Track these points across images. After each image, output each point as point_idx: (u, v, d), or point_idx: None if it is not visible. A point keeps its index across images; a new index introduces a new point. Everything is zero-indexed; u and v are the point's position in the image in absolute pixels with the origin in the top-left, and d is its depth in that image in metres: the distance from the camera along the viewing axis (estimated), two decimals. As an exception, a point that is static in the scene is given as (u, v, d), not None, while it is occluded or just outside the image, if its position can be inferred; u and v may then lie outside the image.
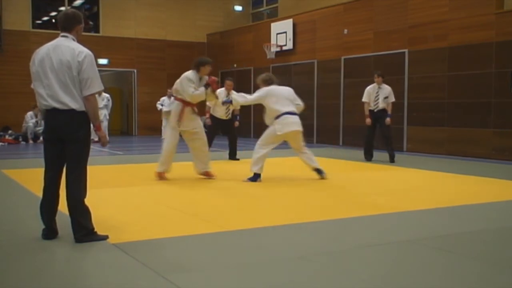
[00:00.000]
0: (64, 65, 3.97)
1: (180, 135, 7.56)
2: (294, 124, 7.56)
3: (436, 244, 4.12)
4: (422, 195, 6.48)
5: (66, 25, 4.13)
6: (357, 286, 3.22)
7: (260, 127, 17.10)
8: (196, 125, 7.50)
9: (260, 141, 7.62)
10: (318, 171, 7.72)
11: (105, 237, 4.16)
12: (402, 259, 3.79)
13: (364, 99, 10.10)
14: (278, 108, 7.47)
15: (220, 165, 8.87)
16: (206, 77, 7.52)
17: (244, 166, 9.20)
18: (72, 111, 4.01)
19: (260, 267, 3.53)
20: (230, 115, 10.29)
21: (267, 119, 7.64)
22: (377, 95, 9.87)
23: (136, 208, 5.53)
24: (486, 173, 8.43)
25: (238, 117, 10.72)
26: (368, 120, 9.99)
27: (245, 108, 14.69)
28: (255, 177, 7.45)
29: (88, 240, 4.08)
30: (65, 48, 4.00)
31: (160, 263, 3.55)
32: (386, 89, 9.90)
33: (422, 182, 7.70)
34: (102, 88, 4.21)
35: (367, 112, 10.04)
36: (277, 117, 7.44)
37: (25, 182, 7.06)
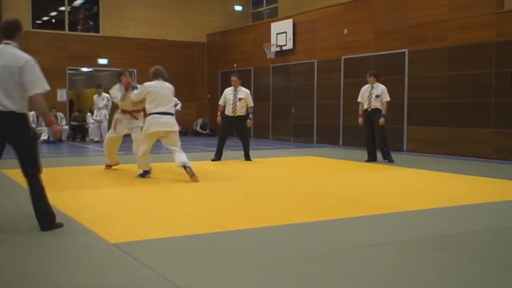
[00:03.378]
0: (6, 71, 4.31)
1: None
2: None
3: (436, 244, 4.12)
4: (422, 195, 6.48)
5: (8, 33, 4.48)
6: (357, 286, 3.22)
7: (259, 127, 17.10)
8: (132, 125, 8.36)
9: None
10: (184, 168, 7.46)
11: (60, 225, 4.53)
12: (402, 259, 3.79)
13: (358, 99, 10.14)
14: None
15: (221, 165, 8.86)
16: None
17: (249, 166, 9.21)
18: (12, 113, 4.33)
19: (260, 267, 3.53)
20: (238, 112, 10.11)
21: None
22: (370, 94, 9.88)
23: (136, 208, 5.53)
24: (486, 173, 8.42)
25: (251, 115, 10.36)
26: (360, 120, 10.02)
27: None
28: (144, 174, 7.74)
29: (55, 226, 4.46)
30: (8, 54, 4.37)
31: (160, 263, 3.55)
32: (379, 88, 9.89)
33: (422, 182, 7.70)
34: (46, 89, 4.47)
35: (360, 112, 10.07)
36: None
37: (25, 182, 7.05)
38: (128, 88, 8.22)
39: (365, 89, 10.04)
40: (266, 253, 3.88)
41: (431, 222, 4.98)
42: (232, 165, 9.64)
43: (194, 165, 8.59)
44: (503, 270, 3.55)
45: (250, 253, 3.89)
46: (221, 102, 10.29)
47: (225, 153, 10.42)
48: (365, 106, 9.96)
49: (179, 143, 7.61)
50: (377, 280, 3.30)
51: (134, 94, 7.85)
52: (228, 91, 10.21)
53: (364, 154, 10.27)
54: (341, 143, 14.17)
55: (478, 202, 5.98)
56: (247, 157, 10.18)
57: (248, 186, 7.20)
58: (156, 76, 7.62)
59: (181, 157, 7.48)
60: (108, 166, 8.69)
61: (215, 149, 10.28)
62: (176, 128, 7.65)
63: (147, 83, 7.63)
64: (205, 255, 3.81)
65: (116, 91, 8.34)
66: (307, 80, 15.24)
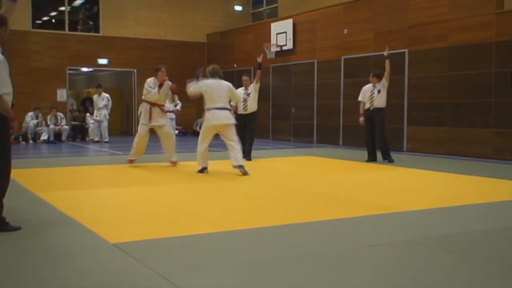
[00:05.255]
0: None
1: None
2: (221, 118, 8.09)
3: (436, 244, 4.12)
4: (422, 195, 6.48)
5: None
6: (357, 286, 3.22)
7: (259, 127, 17.11)
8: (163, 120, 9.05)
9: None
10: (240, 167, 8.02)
11: (17, 228, 4.41)
12: (402, 259, 3.79)
13: (359, 98, 10.12)
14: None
15: (220, 165, 8.86)
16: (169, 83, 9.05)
17: (249, 166, 9.18)
18: None
19: (260, 267, 3.53)
20: (249, 110, 10.26)
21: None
22: (372, 94, 9.87)
23: (136, 208, 5.54)
24: (486, 173, 8.42)
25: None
26: (361, 119, 10.00)
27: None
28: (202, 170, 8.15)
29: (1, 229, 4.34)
30: None
31: (160, 263, 3.55)
32: (380, 85, 9.87)
33: (422, 182, 7.70)
34: (5, 92, 4.37)
35: (361, 111, 10.05)
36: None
37: (25, 182, 7.06)
38: (163, 84, 8.88)
39: (366, 88, 10.02)
40: (266, 253, 3.88)
41: (431, 222, 4.98)
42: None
43: (194, 165, 8.60)
44: (503, 270, 3.55)
45: (250, 253, 3.89)
46: (233, 102, 10.35)
47: (226, 153, 10.42)
48: (367, 106, 9.94)
49: (236, 138, 8.22)
50: (377, 280, 3.30)
51: (192, 88, 8.18)
52: (239, 91, 10.34)
53: (364, 154, 10.27)
54: (341, 143, 14.17)
55: (478, 202, 5.98)
56: (248, 156, 10.05)
57: (248, 186, 7.20)
58: (213, 74, 8.14)
59: (238, 156, 8.04)
60: (131, 161, 9.10)
61: (215, 148, 10.27)
62: (233, 121, 8.24)
63: (204, 81, 8.13)
64: (205, 255, 3.81)
65: (152, 84, 8.92)
66: (307, 80, 15.24)
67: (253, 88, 10.34)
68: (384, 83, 9.86)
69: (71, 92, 19.81)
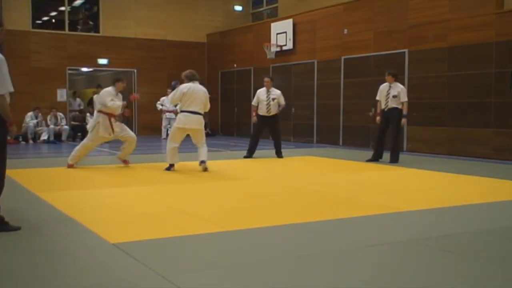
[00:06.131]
0: None
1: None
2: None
3: (436, 244, 4.12)
4: (422, 195, 6.48)
5: None
6: (357, 286, 3.22)
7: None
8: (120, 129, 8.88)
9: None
10: (202, 162, 8.42)
11: (17, 228, 4.38)
12: (402, 259, 3.79)
13: (377, 97, 10.11)
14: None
15: (220, 165, 8.86)
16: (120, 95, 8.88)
17: (249, 166, 9.20)
18: None
19: (260, 267, 3.53)
20: (272, 112, 10.62)
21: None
22: (388, 94, 9.84)
23: (136, 208, 5.53)
24: (486, 173, 8.42)
25: (280, 107, 10.83)
26: (378, 118, 10.00)
27: (248, 107, 14.77)
28: (169, 167, 8.42)
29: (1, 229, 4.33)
30: None
31: (160, 263, 3.55)
32: (397, 87, 9.81)
33: (422, 182, 7.70)
34: (8, 90, 4.37)
35: (378, 110, 10.05)
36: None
37: (25, 182, 7.07)
38: (131, 100, 9.12)
39: (383, 87, 9.98)
40: (266, 253, 3.88)
41: (431, 222, 4.98)
42: (232, 165, 9.64)
43: (194, 164, 8.61)
44: (503, 270, 3.55)
45: (250, 253, 3.89)
46: (254, 102, 10.90)
47: (225, 153, 10.42)
48: (382, 106, 9.91)
49: (203, 140, 8.49)
50: (377, 280, 3.30)
51: (176, 96, 8.36)
52: (262, 92, 10.77)
53: (363, 154, 10.28)
54: (341, 143, 14.17)
55: (478, 202, 5.98)
56: (279, 154, 10.69)
57: (248, 186, 7.20)
58: (191, 78, 8.37)
59: (202, 154, 8.41)
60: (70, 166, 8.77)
61: (214, 148, 10.29)
62: (203, 126, 8.51)
63: (182, 85, 8.32)
64: (205, 255, 3.81)
65: (114, 94, 8.77)
66: (307, 80, 15.23)
67: (280, 97, 10.70)
68: (400, 86, 9.83)
69: (79, 92, 19.82)
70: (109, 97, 8.60)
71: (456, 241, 4.24)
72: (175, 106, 17.48)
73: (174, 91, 8.41)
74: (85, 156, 9.07)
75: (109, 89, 8.81)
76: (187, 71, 8.59)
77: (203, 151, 8.43)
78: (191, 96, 8.24)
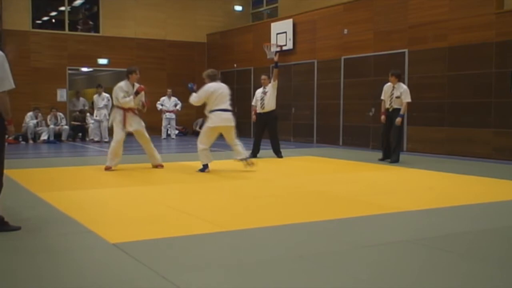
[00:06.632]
0: None
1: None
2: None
3: (436, 244, 4.12)
4: (422, 195, 6.49)
5: None
6: (357, 286, 3.22)
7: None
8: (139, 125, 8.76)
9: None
10: (247, 158, 8.53)
11: (17, 228, 4.38)
12: (402, 259, 3.79)
13: (381, 96, 10.14)
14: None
15: (220, 165, 8.86)
16: (137, 85, 8.68)
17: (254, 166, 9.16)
18: None
19: (260, 267, 3.53)
20: (266, 108, 10.57)
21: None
22: (392, 94, 9.86)
23: (136, 208, 5.53)
24: (486, 173, 8.42)
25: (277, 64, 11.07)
26: (382, 118, 10.03)
27: (248, 108, 14.74)
28: (204, 168, 8.29)
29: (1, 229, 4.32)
30: None
31: (160, 263, 3.55)
32: (400, 88, 9.83)
33: (422, 182, 7.69)
34: (11, 87, 4.38)
35: (383, 110, 10.07)
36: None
37: (25, 182, 7.07)
38: (139, 92, 8.64)
39: (387, 87, 10.01)
40: (266, 253, 3.88)
41: (431, 222, 4.98)
42: (232, 165, 9.63)
43: (195, 164, 8.61)
44: (503, 270, 3.55)
45: (250, 253, 3.89)
46: (253, 102, 10.97)
47: (225, 153, 10.42)
48: (386, 106, 9.95)
49: (236, 138, 8.55)
50: (377, 280, 3.30)
51: (197, 98, 8.28)
52: (258, 91, 10.84)
53: (363, 154, 10.29)
54: (341, 143, 14.17)
55: (478, 202, 5.98)
56: (279, 154, 10.66)
57: (248, 186, 7.20)
58: (213, 78, 8.33)
59: (241, 151, 8.50)
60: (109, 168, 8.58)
61: (215, 148, 10.28)
62: (234, 123, 8.48)
63: (207, 85, 8.28)
64: (205, 255, 3.81)
65: (126, 88, 8.59)
66: (307, 80, 15.23)
67: (272, 86, 10.66)
68: (403, 87, 9.84)
69: (83, 92, 19.81)
70: (121, 93, 8.50)
71: (456, 241, 4.24)
72: (175, 106, 17.49)
73: (199, 91, 8.27)
74: (119, 155, 8.64)
75: (122, 83, 8.64)
76: (209, 71, 8.53)
77: (242, 148, 8.50)
78: (219, 94, 8.19)
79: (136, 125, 8.70)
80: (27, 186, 6.81)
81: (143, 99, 8.80)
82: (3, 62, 4.31)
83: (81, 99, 17.96)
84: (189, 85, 8.60)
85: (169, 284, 3.16)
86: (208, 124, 8.28)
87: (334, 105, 14.39)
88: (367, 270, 3.49)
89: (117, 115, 8.61)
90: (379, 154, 10.25)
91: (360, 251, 3.96)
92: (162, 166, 8.82)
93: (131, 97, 8.53)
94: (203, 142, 8.32)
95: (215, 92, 8.19)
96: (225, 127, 8.32)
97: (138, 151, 10.10)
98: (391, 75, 9.94)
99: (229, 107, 8.36)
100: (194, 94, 8.33)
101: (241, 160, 8.49)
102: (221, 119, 8.21)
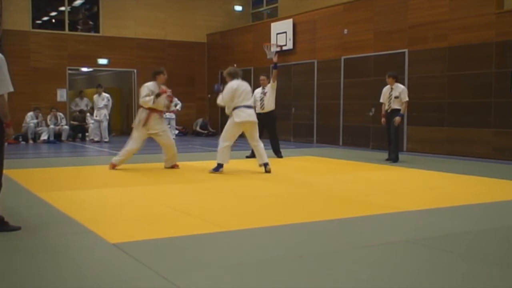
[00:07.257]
0: None
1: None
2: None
3: (436, 244, 4.12)
4: (422, 195, 6.49)
5: None
6: (357, 286, 3.22)
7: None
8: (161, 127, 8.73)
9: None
10: (265, 166, 8.42)
11: (17, 228, 4.38)
12: (402, 259, 3.79)
13: (380, 99, 10.24)
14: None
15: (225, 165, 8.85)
16: (163, 86, 8.65)
17: (249, 166, 9.20)
18: None
19: (259, 267, 3.53)
20: (266, 109, 10.59)
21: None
22: (390, 96, 9.95)
23: (136, 208, 5.53)
24: (486, 173, 8.43)
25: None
26: (383, 120, 10.15)
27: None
28: (218, 167, 8.23)
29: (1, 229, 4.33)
30: None
31: (160, 263, 3.55)
32: (398, 88, 9.94)
33: (422, 182, 7.70)
34: (9, 90, 4.35)
35: (383, 112, 10.16)
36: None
37: (25, 182, 7.07)
38: (161, 94, 8.54)
39: (385, 90, 10.14)
40: (266, 253, 3.88)
41: (431, 222, 4.98)
42: (232, 165, 9.63)
43: (195, 165, 8.61)
44: (503, 270, 3.55)
45: (249, 253, 3.89)
46: (252, 103, 10.75)
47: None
48: (386, 107, 10.06)
49: (258, 138, 8.54)
50: (377, 280, 3.30)
51: (226, 98, 8.24)
52: (257, 91, 10.80)
53: (363, 154, 10.29)
54: (341, 143, 14.17)
55: (478, 202, 5.98)
56: (279, 154, 10.65)
57: (248, 186, 7.20)
58: (235, 75, 8.37)
59: (263, 155, 8.45)
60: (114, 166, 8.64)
61: (215, 148, 10.27)
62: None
63: (230, 83, 8.26)
64: (204, 255, 3.81)
65: (154, 88, 8.56)
66: (307, 80, 15.23)
67: (270, 87, 10.67)
68: (401, 87, 9.90)
69: (86, 92, 19.81)
70: (144, 93, 8.52)
71: (456, 241, 4.24)
72: (175, 106, 17.51)
73: (224, 92, 8.27)
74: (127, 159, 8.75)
75: (149, 84, 8.63)
76: (231, 69, 8.53)
77: (263, 150, 8.44)
78: (242, 91, 8.24)
79: (158, 127, 8.63)
80: (27, 186, 6.81)
81: (167, 102, 8.75)
82: (2, 66, 4.30)
83: (85, 99, 17.95)
84: (215, 87, 8.67)
85: (169, 284, 3.16)
86: (235, 119, 8.22)
87: (334, 105, 14.39)
88: (367, 270, 3.49)
89: (143, 114, 8.58)
90: (379, 154, 10.26)
91: (360, 251, 3.96)
92: (178, 166, 8.80)
93: (152, 97, 8.46)
94: (226, 138, 8.31)
95: (239, 89, 8.22)
96: (251, 122, 8.32)
97: (139, 151, 10.10)
98: (388, 76, 10.05)
99: (252, 104, 8.46)
100: (220, 96, 8.36)
101: (261, 165, 8.44)
102: (247, 114, 8.23)
